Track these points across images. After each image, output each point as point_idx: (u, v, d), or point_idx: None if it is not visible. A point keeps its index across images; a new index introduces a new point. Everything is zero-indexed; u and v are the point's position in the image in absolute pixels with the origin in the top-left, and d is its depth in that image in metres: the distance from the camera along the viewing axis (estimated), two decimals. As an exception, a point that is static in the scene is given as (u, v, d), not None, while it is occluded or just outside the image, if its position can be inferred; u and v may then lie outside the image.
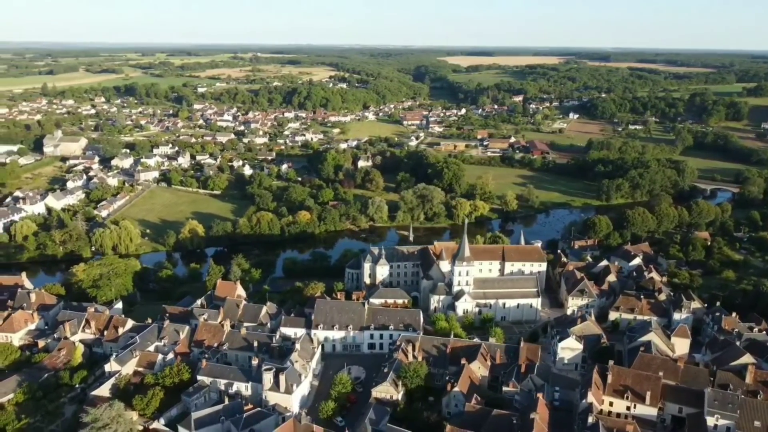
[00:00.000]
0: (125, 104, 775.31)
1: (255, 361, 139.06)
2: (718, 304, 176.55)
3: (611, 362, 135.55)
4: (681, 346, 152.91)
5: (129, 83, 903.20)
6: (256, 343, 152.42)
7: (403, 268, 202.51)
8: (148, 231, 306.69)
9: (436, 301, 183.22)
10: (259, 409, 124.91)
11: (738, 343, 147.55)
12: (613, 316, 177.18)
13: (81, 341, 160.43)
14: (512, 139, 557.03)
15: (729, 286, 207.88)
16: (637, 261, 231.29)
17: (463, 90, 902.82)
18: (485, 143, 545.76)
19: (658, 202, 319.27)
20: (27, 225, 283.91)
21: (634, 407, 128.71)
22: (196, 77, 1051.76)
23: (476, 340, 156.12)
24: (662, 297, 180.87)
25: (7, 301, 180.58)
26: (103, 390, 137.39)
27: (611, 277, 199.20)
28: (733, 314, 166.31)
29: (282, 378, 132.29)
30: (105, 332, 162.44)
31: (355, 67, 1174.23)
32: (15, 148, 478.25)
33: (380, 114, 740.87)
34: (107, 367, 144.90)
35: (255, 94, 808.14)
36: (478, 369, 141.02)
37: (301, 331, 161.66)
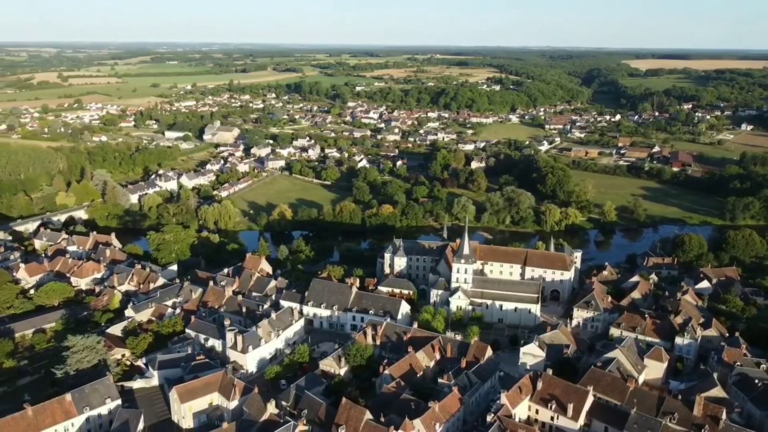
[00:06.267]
0: (290, 100, 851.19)
1: (227, 322, 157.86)
2: (736, 334, 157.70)
3: (549, 371, 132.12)
4: (654, 369, 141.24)
5: (299, 81, 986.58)
6: (245, 309, 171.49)
7: (422, 261, 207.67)
8: (251, 211, 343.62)
9: (434, 295, 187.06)
10: (207, 360, 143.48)
11: (715, 375, 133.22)
12: (613, 332, 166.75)
13: (125, 291, 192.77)
14: (655, 149, 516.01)
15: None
16: (704, 284, 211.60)
17: (627, 95, 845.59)
18: (622, 151, 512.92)
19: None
20: (153, 198, 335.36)
21: (557, 418, 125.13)
22: (362, 77, 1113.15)
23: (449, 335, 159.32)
24: (678, 320, 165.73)
25: (91, 254, 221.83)
26: (116, 329, 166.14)
27: (635, 294, 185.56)
28: (743, 346, 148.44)
29: (239, 339, 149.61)
30: (141, 285, 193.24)
31: (518, 69, 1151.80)
32: (182, 134, 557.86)
33: (526, 117, 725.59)
34: (126, 313, 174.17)
35: (405, 94, 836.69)
36: (423, 359, 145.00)
37: (295, 305, 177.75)
